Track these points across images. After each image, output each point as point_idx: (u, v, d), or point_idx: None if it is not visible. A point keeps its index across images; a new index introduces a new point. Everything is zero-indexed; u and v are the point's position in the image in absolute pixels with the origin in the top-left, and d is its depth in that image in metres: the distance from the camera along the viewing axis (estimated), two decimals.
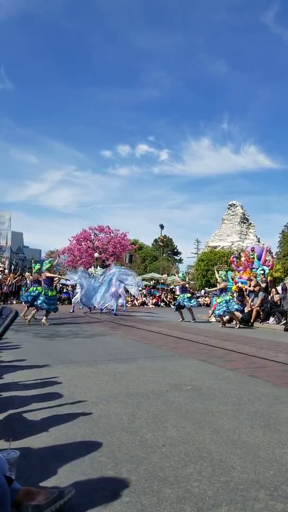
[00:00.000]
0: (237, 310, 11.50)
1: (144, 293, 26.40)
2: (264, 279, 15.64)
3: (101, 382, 3.83)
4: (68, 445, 2.24)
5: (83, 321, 11.78)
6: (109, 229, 36.90)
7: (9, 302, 20.38)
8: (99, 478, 1.85)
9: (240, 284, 18.34)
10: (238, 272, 19.19)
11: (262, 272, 17.90)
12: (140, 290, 16.56)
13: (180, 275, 14.80)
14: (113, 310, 14.63)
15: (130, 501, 1.65)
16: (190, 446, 2.27)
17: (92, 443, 2.28)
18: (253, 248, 20.83)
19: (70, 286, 23.78)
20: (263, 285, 13.88)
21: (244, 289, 14.21)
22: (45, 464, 2.00)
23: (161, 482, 1.83)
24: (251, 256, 19.00)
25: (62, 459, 2.04)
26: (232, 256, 21.30)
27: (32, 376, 3.98)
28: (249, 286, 13.80)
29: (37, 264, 12.24)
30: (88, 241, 36.04)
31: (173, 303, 21.77)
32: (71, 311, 15.48)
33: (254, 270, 18.59)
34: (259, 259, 19.54)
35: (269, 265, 19.25)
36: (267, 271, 18.15)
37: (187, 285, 13.66)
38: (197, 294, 27.42)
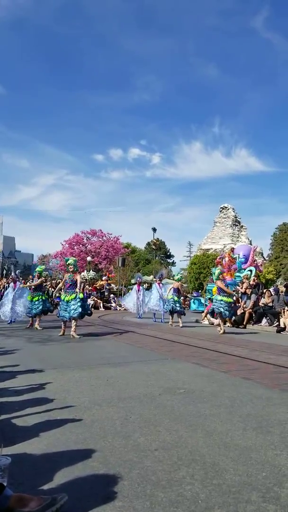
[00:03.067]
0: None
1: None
2: (256, 280, 15.73)
3: (94, 386, 3.82)
4: (61, 450, 2.23)
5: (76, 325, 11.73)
6: (102, 232, 36.91)
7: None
8: (92, 483, 1.85)
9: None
10: (224, 273, 19.18)
11: (249, 272, 17.92)
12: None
13: (178, 276, 13.56)
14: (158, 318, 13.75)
15: (123, 505, 1.65)
16: (182, 449, 2.28)
17: (85, 448, 2.27)
18: (233, 248, 20.83)
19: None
20: (250, 283, 13.87)
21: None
22: (38, 470, 1.99)
23: (154, 486, 1.83)
24: (233, 257, 19.01)
25: (54, 464, 2.04)
26: (218, 257, 21.19)
27: (24, 382, 3.96)
28: (241, 288, 13.85)
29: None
30: (81, 245, 36.01)
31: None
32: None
33: (243, 271, 18.61)
34: (246, 259, 19.55)
35: (256, 265, 19.24)
36: (254, 272, 18.21)
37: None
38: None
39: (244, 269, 19.07)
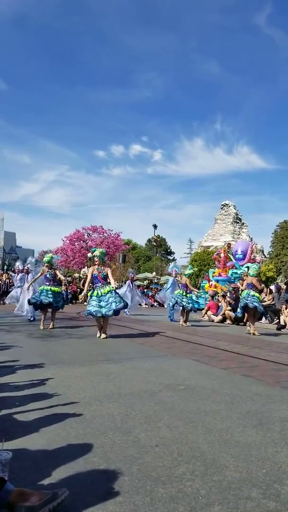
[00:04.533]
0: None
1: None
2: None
3: (94, 382, 3.83)
4: (61, 446, 2.24)
5: (77, 321, 11.76)
6: (103, 229, 36.89)
7: (1, 302, 20.23)
8: (92, 478, 1.85)
9: (213, 282, 18.20)
10: (219, 269, 19.12)
11: (246, 269, 17.78)
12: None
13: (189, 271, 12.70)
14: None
15: (123, 501, 1.66)
16: (183, 445, 2.28)
17: (85, 443, 2.27)
18: (229, 244, 20.73)
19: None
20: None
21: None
22: (38, 465, 2.00)
23: (154, 482, 1.83)
24: (228, 253, 18.90)
25: (55, 460, 2.04)
26: (215, 254, 20.98)
27: (24, 377, 3.97)
28: (241, 285, 13.83)
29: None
30: (82, 241, 35.99)
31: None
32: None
33: (240, 267, 18.47)
34: (244, 255, 19.44)
35: (254, 262, 19.11)
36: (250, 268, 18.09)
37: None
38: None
39: (242, 266, 18.92)
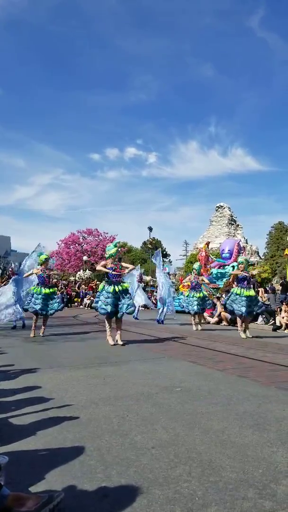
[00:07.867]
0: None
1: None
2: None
3: (90, 385, 3.82)
4: (58, 449, 2.23)
5: (73, 324, 11.74)
6: (98, 232, 36.93)
7: None
8: (89, 481, 1.85)
9: (186, 282, 18.02)
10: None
11: (231, 268, 17.71)
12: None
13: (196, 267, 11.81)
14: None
15: (120, 503, 1.65)
16: (179, 447, 2.28)
17: (82, 447, 2.27)
18: (209, 242, 20.67)
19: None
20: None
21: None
22: (35, 469, 1.99)
23: (151, 483, 1.83)
24: (208, 251, 18.83)
25: (51, 463, 2.04)
26: (199, 254, 20.73)
27: (21, 381, 3.95)
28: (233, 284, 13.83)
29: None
30: (77, 245, 35.98)
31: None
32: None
33: (226, 267, 18.32)
34: (231, 254, 19.31)
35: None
36: (236, 268, 17.97)
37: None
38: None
39: (228, 265, 18.80)
